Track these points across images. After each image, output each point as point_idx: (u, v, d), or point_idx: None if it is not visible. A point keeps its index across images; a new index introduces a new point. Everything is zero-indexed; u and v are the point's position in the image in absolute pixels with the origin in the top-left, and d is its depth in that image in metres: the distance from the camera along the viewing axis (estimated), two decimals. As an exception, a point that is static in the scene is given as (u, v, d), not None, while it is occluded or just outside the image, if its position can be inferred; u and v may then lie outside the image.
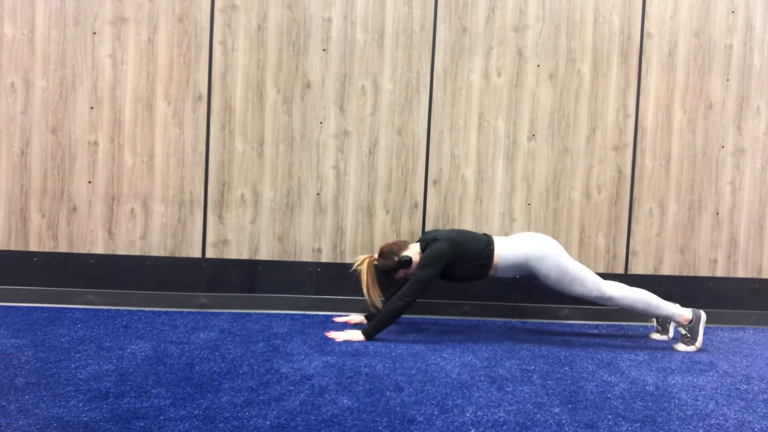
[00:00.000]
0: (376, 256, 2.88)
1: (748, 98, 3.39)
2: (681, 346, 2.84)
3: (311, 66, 3.17)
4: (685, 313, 2.82)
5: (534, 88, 3.27)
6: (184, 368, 2.25)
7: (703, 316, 2.83)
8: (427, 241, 2.81)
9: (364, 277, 2.81)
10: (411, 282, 2.70)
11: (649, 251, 3.37)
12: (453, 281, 2.86)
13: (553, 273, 2.76)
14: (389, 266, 2.81)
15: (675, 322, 2.84)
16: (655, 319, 3.08)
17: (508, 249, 2.80)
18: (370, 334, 2.71)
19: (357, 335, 2.72)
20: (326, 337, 2.75)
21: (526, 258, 2.77)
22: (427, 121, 3.23)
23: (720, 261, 3.42)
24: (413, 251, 2.83)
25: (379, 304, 2.82)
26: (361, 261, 2.85)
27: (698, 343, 2.81)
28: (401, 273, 2.83)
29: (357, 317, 3.05)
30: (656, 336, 3.03)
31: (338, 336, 2.72)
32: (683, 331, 2.84)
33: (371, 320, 2.94)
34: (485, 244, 2.80)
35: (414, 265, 2.80)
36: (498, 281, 3.27)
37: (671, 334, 3.01)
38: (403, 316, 3.23)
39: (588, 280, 2.77)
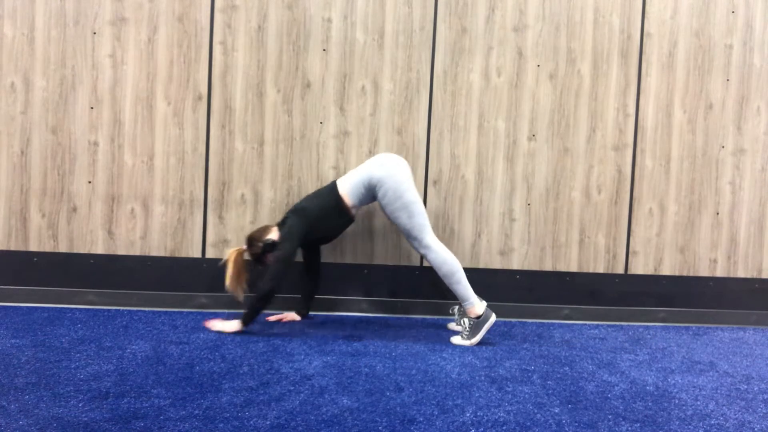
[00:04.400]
0: (245, 247, 2.87)
1: (748, 98, 3.40)
2: (457, 339, 2.78)
3: (311, 66, 3.17)
4: (477, 307, 2.75)
5: (534, 88, 3.27)
6: (184, 368, 2.25)
7: (492, 318, 2.75)
8: (282, 222, 2.83)
9: (228, 268, 2.79)
10: (273, 263, 2.70)
11: (649, 251, 3.37)
12: (330, 239, 2.88)
13: (389, 193, 2.74)
14: (256, 253, 2.81)
15: (464, 309, 2.78)
16: (456, 308, 3.04)
17: (351, 180, 2.81)
18: (245, 321, 2.72)
19: (233, 324, 2.73)
20: (326, 339, 2.75)
21: (369, 177, 2.77)
22: (427, 121, 3.23)
23: (720, 261, 3.42)
24: (275, 234, 2.83)
25: (241, 296, 2.81)
26: (230, 253, 2.83)
27: (475, 341, 2.74)
28: (270, 257, 2.82)
29: (291, 315, 3.04)
30: (453, 326, 3.02)
31: (214, 325, 2.73)
32: (467, 324, 2.76)
33: (304, 310, 3.05)
34: (329, 191, 2.81)
35: None
36: (500, 280, 3.27)
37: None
38: (403, 315, 3.23)
39: (417, 217, 2.74)
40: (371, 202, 2.88)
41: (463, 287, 2.75)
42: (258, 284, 2.71)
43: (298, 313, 3.05)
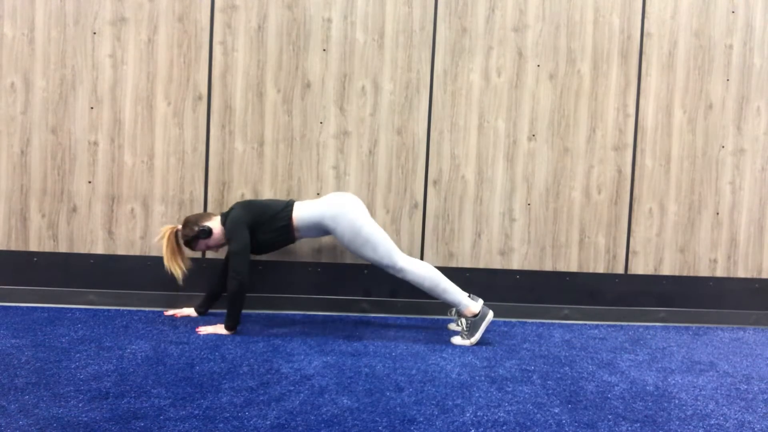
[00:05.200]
0: (179, 225, 2.85)
1: (748, 98, 3.40)
2: (457, 339, 2.78)
3: (311, 66, 3.17)
4: (472, 306, 2.75)
5: (534, 88, 3.27)
6: (184, 368, 2.25)
7: (490, 315, 2.75)
8: (226, 213, 2.81)
9: (163, 246, 2.78)
10: (231, 259, 2.69)
11: (649, 251, 3.37)
12: (264, 250, 2.84)
13: (347, 233, 2.75)
14: (189, 236, 2.79)
15: (459, 312, 2.77)
16: (453, 309, 3.03)
17: (306, 210, 2.80)
18: (229, 326, 2.71)
19: (219, 329, 2.73)
20: (326, 339, 2.75)
21: (321, 217, 2.78)
22: (427, 121, 3.23)
23: (720, 261, 3.42)
24: (215, 223, 2.82)
25: (178, 274, 2.77)
26: (163, 230, 2.81)
27: (474, 339, 2.74)
28: (202, 244, 2.81)
29: (188, 310, 3.01)
30: (453, 327, 3.00)
31: (204, 329, 2.72)
32: (464, 324, 2.76)
33: (203, 309, 3.00)
34: (283, 207, 2.81)
35: (215, 237, 2.80)
36: (500, 280, 3.28)
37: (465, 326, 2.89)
38: (403, 315, 3.23)
39: (381, 246, 2.74)
40: (314, 236, 2.88)
41: (452, 294, 2.75)
42: (227, 285, 2.70)
43: (196, 310, 3.01)
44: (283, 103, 3.17)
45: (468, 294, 2.86)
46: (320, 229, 2.83)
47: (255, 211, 2.78)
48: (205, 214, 2.86)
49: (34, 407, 1.84)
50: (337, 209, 2.77)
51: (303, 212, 2.81)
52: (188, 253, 2.96)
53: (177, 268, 2.77)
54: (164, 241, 2.78)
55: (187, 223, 2.81)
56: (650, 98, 3.34)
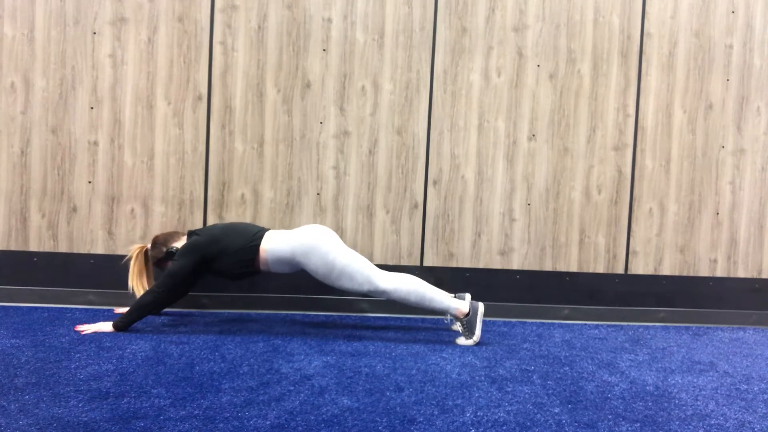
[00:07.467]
0: (149, 245, 2.86)
1: (748, 98, 3.40)
2: (461, 340, 2.77)
3: (311, 66, 3.17)
4: (461, 307, 2.74)
5: (534, 88, 3.27)
6: (184, 368, 2.25)
7: (481, 308, 2.74)
8: (191, 234, 2.79)
9: (131, 266, 2.80)
10: (163, 275, 2.68)
11: (649, 251, 3.37)
12: (227, 278, 2.79)
13: (320, 269, 2.70)
14: (157, 256, 2.80)
15: (452, 315, 2.76)
16: (449, 315, 3.00)
17: (276, 244, 2.73)
18: (119, 326, 2.65)
19: (106, 326, 2.66)
20: (326, 339, 2.74)
21: (292, 254, 2.72)
22: (427, 121, 3.23)
23: (720, 261, 3.42)
24: (182, 244, 2.81)
25: (139, 293, 2.78)
26: (133, 250, 2.84)
27: (476, 337, 2.73)
28: (169, 265, 2.79)
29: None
30: (456, 327, 2.97)
31: (87, 328, 2.65)
32: (460, 325, 2.76)
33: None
34: (251, 238, 2.73)
35: None
36: (500, 280, 3.28)
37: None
38: (403, 315, 3.23)
39: (358, 274, 2.69)
40: (286, 271, 2.81)
41: (438, 302, 2.74)
42: (144, 292, 2.68)
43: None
44: (283, 103, 3.17)
45: (454, 295, 2.88)
46: (292, 266, 2.75)
47: (219, 245, 2.71)
48: (174, 234, 2.87)
49: (34, 407, 1.84)
50: (309, 245, 2.70)
51: (273, 246, 2.72)
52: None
53: (141, 288, 2.79)
54: (132, 260, 2.81)
55: (156, 243, 2.82)
56: (650, 98, 3.34)
